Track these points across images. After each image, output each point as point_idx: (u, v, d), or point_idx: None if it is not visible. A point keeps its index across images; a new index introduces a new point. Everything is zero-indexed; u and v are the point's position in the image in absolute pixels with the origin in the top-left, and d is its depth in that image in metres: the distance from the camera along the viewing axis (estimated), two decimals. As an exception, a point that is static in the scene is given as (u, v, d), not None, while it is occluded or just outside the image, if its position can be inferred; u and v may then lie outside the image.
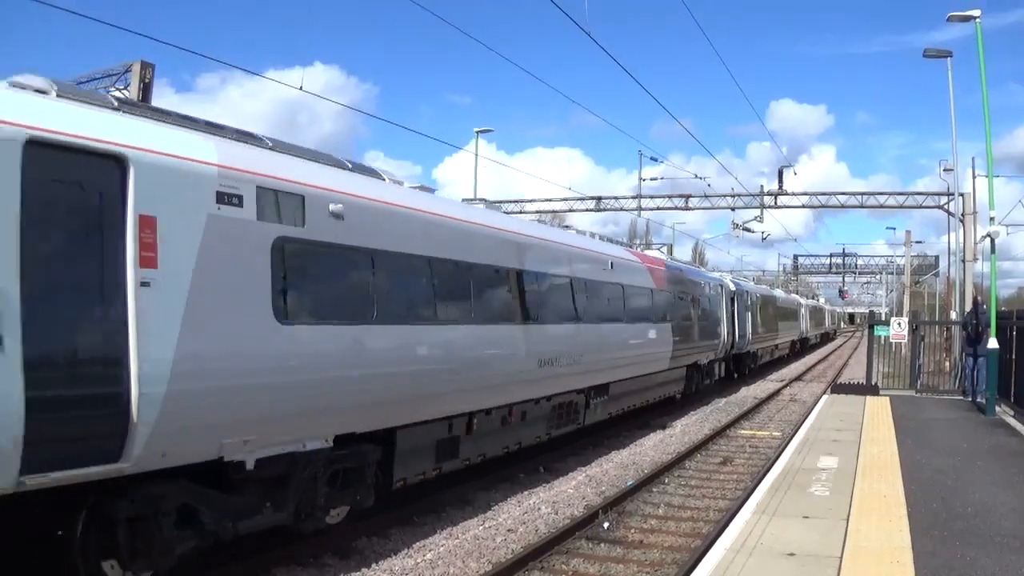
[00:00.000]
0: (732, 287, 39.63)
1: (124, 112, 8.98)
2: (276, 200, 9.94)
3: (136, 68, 22.39)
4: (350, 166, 12.76)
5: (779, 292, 65.56)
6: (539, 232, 19.82)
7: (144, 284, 8.12)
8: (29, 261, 7.27)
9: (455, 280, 14.02)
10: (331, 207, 10.78)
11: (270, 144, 11.14)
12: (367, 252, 11.54)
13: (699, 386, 31.68)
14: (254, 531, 10.06)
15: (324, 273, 11.03)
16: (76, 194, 7.87)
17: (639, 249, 31.75)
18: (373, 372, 11.40)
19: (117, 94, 10.18)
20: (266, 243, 9.71)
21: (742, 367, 41.85)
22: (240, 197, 9.38)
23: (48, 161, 7.53)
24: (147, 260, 8.19)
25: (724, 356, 36.91)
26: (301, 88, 17.95)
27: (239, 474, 9.47)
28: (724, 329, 35.96)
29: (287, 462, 10.15)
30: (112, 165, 8.06)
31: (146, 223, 8.22)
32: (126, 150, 8.15)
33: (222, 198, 9.15)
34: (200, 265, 8.75)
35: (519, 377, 15.96)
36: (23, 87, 8.25)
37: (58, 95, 8.37)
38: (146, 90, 22.96)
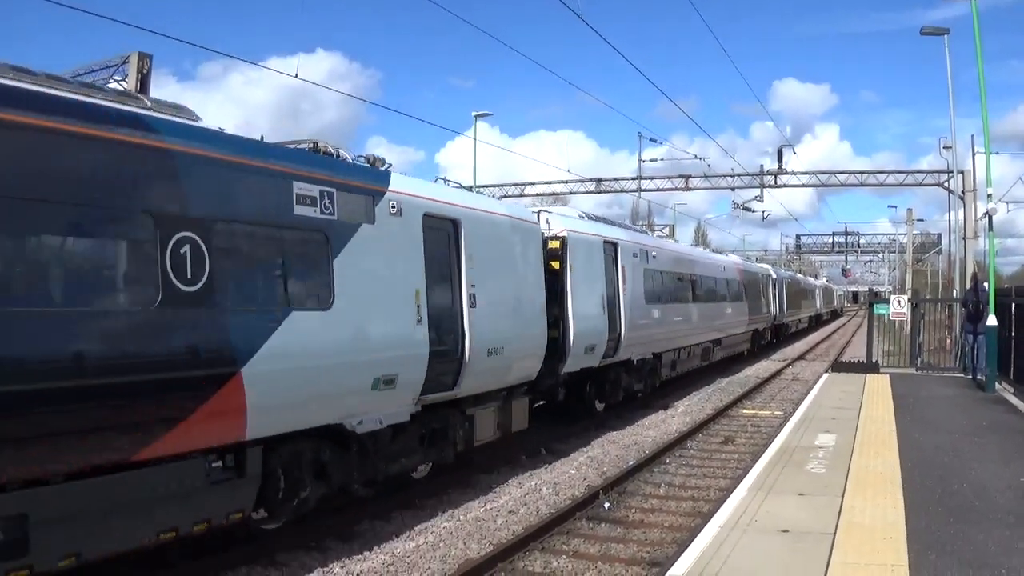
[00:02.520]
0: (773, 275, 50.95)
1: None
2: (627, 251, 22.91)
3: (134, 59, 22.43)
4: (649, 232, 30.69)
5: (800, 277, 77.17)
6: (699, 253, 37.77)
7: (472, 286, 14.15)
8: (427, 274, 12.89)
9: (684, 282, 29.51)
10: (653, 253, 25.52)
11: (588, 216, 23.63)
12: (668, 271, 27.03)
13: (758, 345, 45.38)
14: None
15: (657, 278, 25.65)
16: (442, 237, 13.74)
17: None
18: (670, 328, 26.44)
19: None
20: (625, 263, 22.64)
21: (779, 334, 54.27)
22: (566, 239, 18.99)
23: (431, 221, 13.27)
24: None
25: (771, 325, 49.54)
26: (296, 76, 17.94)
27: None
28: (772, 306, 49.07)
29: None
30: (450, 223, 13.99)
31: (467, 249, 14.21)
32: (458, 213, 14.19)
33: (554, 241, 18.90)
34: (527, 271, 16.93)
35: (696, 330, 30.54)
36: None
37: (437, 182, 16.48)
38: (144, 81, 22.99)
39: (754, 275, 44.72)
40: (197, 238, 9.00)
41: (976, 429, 15.06)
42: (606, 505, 13.55)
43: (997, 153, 27.00)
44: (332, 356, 10.79)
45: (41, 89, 8.13)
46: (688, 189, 45.52)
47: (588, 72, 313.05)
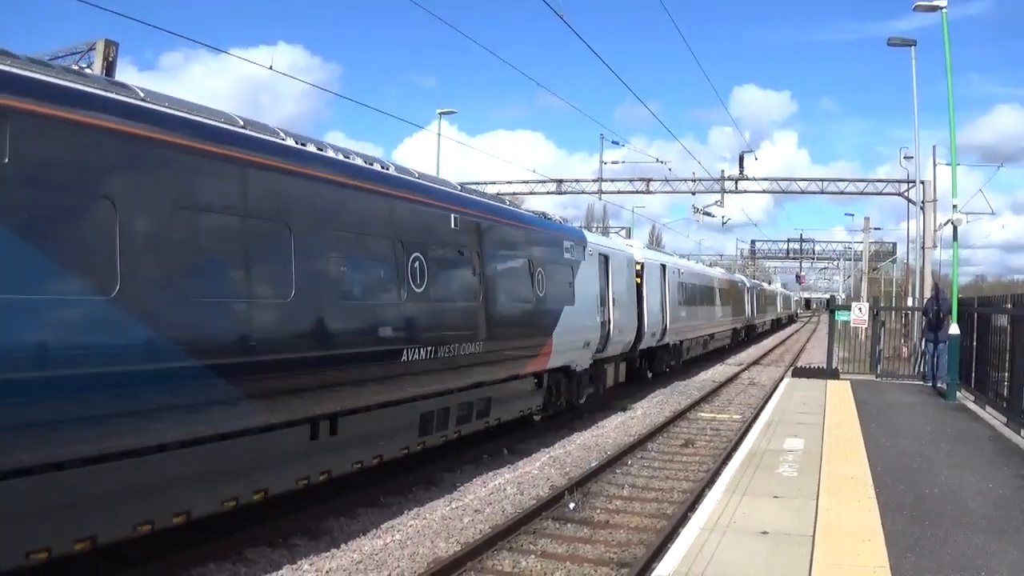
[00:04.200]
0: (748, 284, 63.73)
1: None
2: (670, 270, 33.81)
3: (100, 46, 22.15)
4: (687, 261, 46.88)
5: (765, 285, 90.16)
6: (702, 268, 49.06)
7: (612, 293, 23.77)
8: (600, 286, 22.99)
9: (696, 291, 39.80)
10: (682, 270, 37.35)
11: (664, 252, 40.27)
12: (688, 283, 37.72)
13: (736, 340, 55.99)
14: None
15: (683, 288, 36.02)
16: (603, 266, 23.36)
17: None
18: (690, 323, 37.35)
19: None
20: (668, 281, 32.85)
21: (750, 333, 65.03)
22: (643, 265, 28.66)
23: (600, 258, 23.20)
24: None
25: (744, 325, 60.11)
26: (271, 68, 17.68)
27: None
28: (747, 309, 61.09)
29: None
30: (604, 257, 23.49)
31: (612, 272, 24.16)
32: (608, 251, 24.33)
33: (625, 265, 26.38)
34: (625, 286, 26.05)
35: (702, 326, 40.71)
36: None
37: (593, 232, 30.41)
38: (110, 68, 22.66)
39: (735, 284, 57.20)
40: (553, 272, 19.44)
41: (941, 436, 15.14)
42: (571, 505, 13.42)
43: (959, 165, 27.28)
44: (574, 331, 20.49)
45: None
46: (649, 192, 45.57)
47: (552, 73, 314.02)
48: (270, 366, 10.01)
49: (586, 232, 24.57)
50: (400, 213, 13.26)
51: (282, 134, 11.29)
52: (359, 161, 12.99)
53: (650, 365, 31.64)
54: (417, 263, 13.30)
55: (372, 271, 12.89)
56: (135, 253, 8.29)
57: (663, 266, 32.18)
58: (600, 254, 23.16)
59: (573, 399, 21.53)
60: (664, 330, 31.03)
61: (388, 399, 12.67)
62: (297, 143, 11.41)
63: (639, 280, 27.88)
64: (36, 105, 7.55)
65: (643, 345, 28.34)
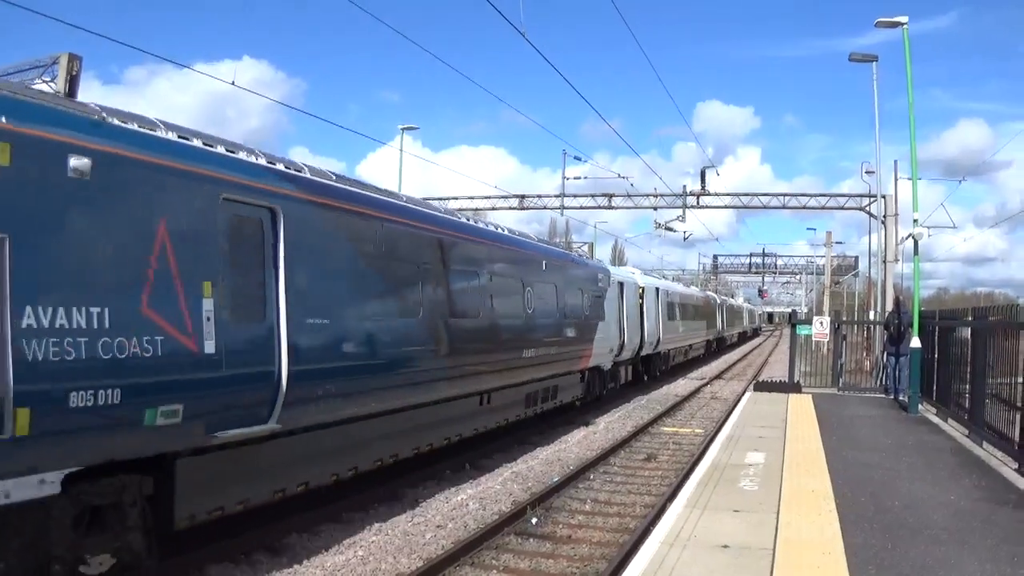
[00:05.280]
0: (719, 301, 73.37)
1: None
2: (662, 292, 41.64)
3: (63, 60, 21.95)
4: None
5: (732, 301, 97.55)
6: (684, 288, 57.15)
7: (624, 312, 31.59)
8: (617, 307, 30.76)
9: (681, 307, 48.04)
10: (672, 291, 46.61)
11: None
12: (676, 302, 46.56)
13: (710, 350, 62.70)
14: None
15: (671, 307, 44.39)
16: (619, 291, 30.99)
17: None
18: (676, 335, 45.87)
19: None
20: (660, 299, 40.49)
21: (720, 344, 72.32)
22: (644, 289, 36.21)
23: (616, 285, 30.74)
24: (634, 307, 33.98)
25: (716, 337, 67.32)
26: (233, 83, 17.60)
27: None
28: (719, 323, 69.24)
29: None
30: (620, 284, 31.40)
31: (625, 295, 32.35)
32: (622, 279, 32.55)
33: (633, 289, 34.69)
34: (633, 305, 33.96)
35: (685, 338, 48.25)
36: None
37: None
38: (72, 83, 22.44)
39: (709, 301, 65.51)
40: (594, 297, 26.32)
41: (902, 448, 15.18)
42: (533, 520, 13.40)
43: (920, 179, 27.60)
44: (604, 340, 27.02)
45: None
46: (611, 208, 45.67)
47: (515, 90, 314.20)
48: (464, 360, 16.42)
49: (609, 266, 33.62)
50: (519, 260, 20.31)
51: (492, 227, 21.18)
52: (504, 231, 21.02)
53: (646, 369, 37.96)
54: (529, 293, 20.16)
55: (511, 299, 19.24)
56: (426, 294, 14.89)
57: (657, 289, 39.96)
58: (617, 282, 30.77)
59: (599, 391, 28.49)
60: (658, 340, 38.44)
61: (515, 382, 19.69)
62: (498, 228, 21.12)
63: (641, 301, 35.19)
64: (386, 215, 14.15)
65: (643, 352, 35.75)
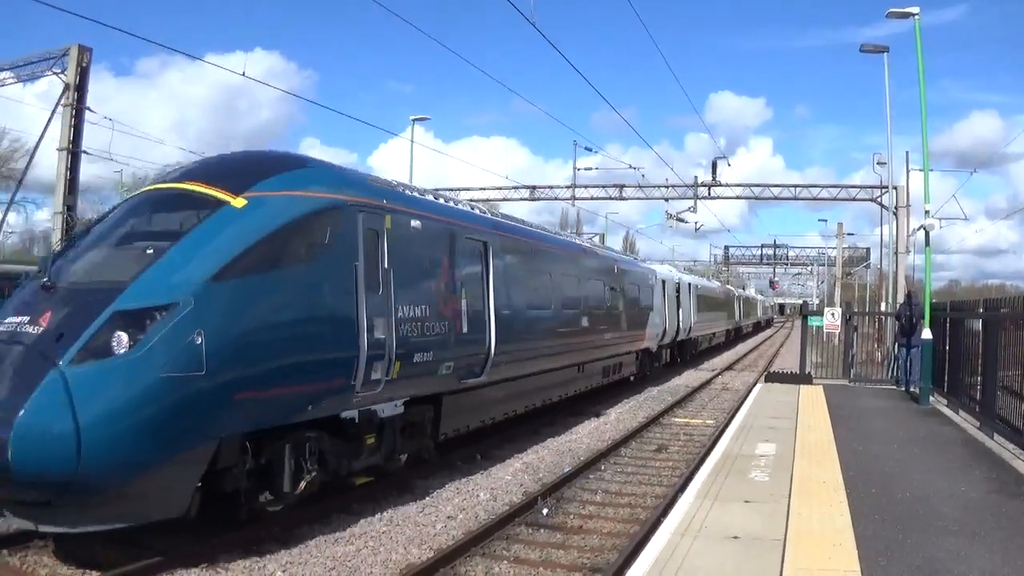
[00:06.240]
0: (737, 294, 79.98)
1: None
2: (693, 287, 47.68)
3: (73, 52, 22.17)
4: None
5: (748, 294, 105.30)
6: (707, 282, 62.42)
7: (663, 304, 37.54)
8: (659, 300, 36.69)
9: (707, 299, 54.95)
10: (700, 285, 52.47)
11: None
12: (703, 295, 52.50)
13: (730, 339, 69.60)
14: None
15: (699, 299, 48.80)
16: (661, 287, 37.17)
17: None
18: (703, 324, 51.65)
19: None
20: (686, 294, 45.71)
21: (738, 334, 78.70)
22: (677, 285, 41.99)
23: (660, 282, 37.27)
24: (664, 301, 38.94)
25: (734, 327, 73.28)
26: (244, 74, 17.67)
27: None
28: (737, 314, 76.08)
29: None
30: (663, 281, 37.88)
31: (665, 290, 38.31)
32: (665, 277, 38.94)
33: (672, 285, 40.93)
34: (672, 299, 39.88)
35: (709, 327, 54.43)
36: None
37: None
38: (83, 74, 22.63)
39: (729, 294, 72.43)
40: (646, 292, 33.49)
41: (913, 440, 15.18)
42: (544, 511, 13.38)
43: (932, 170, 27.41)
44: (653, 327, 33.85)
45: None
46: (622, 199, 45.67)
47: (527, 80, 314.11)
48: (572, 340, 22.69)
49: (655, 266, 40.46)
50: (601, 266, 27.07)
51: (585, 242, 31.41)
52: (592, 245, 29.25)
53: (680, 353, 43.56)
54: (607, 290, 26.93)
55: (598, 295, 25.76)
56: (554, 293, 21.18)
57: (690, 284, 45.83)
58: (661, 279, 37.13)
59: (647, 370, 34.33)
60: (690, 328, 44.09)
61: (599, 357, 25.71)
62: (590, 242, 32.78)
63: (677, 294, 40.89)
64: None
65: (679, 339, 41.69)
